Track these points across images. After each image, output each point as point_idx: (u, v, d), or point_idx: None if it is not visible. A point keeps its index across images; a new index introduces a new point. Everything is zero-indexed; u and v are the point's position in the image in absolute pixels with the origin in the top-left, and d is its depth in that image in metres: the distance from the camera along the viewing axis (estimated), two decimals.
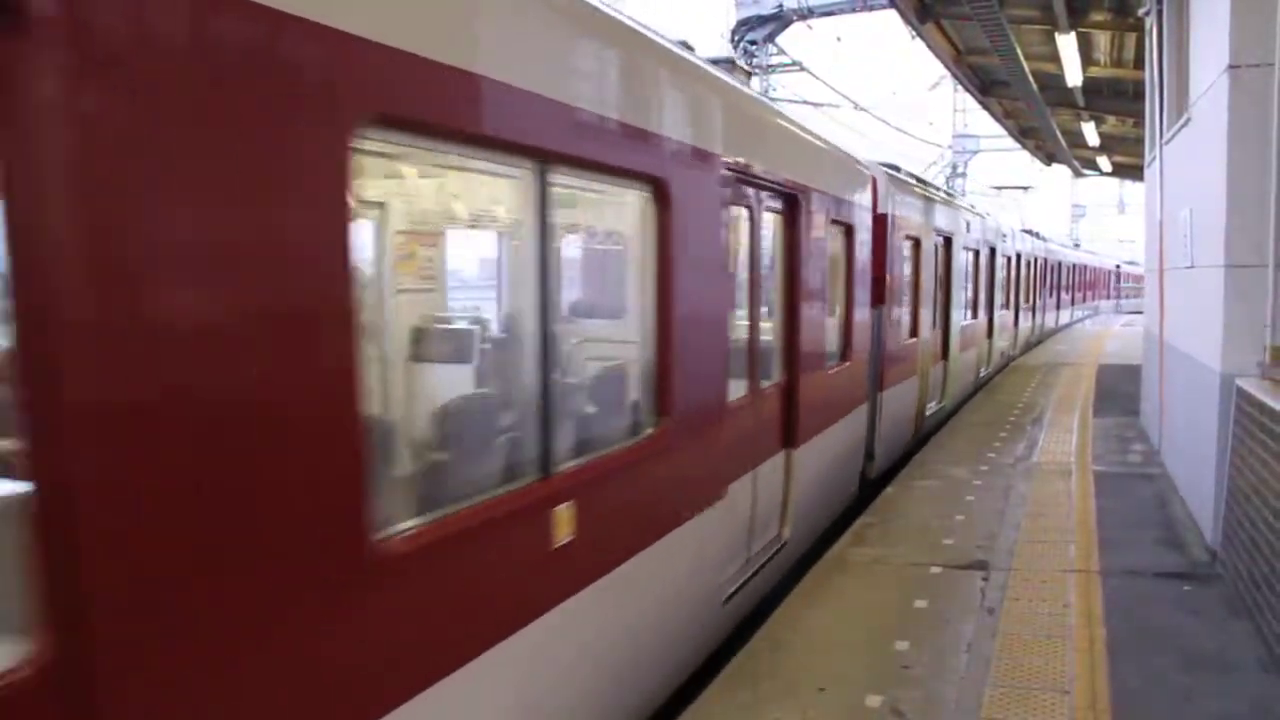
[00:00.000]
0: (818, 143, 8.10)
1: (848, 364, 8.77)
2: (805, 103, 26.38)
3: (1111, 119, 20.96)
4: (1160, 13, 9.95)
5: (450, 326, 5.43)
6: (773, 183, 6.54)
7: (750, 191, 6.21)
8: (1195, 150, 8.16)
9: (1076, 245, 54.96)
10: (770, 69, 24.44)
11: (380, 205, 5.34)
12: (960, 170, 44.88)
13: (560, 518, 3.93)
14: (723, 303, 5.63)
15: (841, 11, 23.02)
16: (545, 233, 3.90)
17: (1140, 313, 21.04)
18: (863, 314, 9.25)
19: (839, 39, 24.77)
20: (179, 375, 2.27)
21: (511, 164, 3.82)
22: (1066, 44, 14.02)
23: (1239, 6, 6.54)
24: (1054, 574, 6.80)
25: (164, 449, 2.23)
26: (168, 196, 2.22)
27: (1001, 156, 43.38)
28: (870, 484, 9.88)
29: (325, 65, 2.66)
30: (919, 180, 13.32)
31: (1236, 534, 6.30)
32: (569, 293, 5.17)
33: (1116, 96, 18.71)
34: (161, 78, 2.20)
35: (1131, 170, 29.94)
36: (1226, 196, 6.68)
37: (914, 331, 11.89)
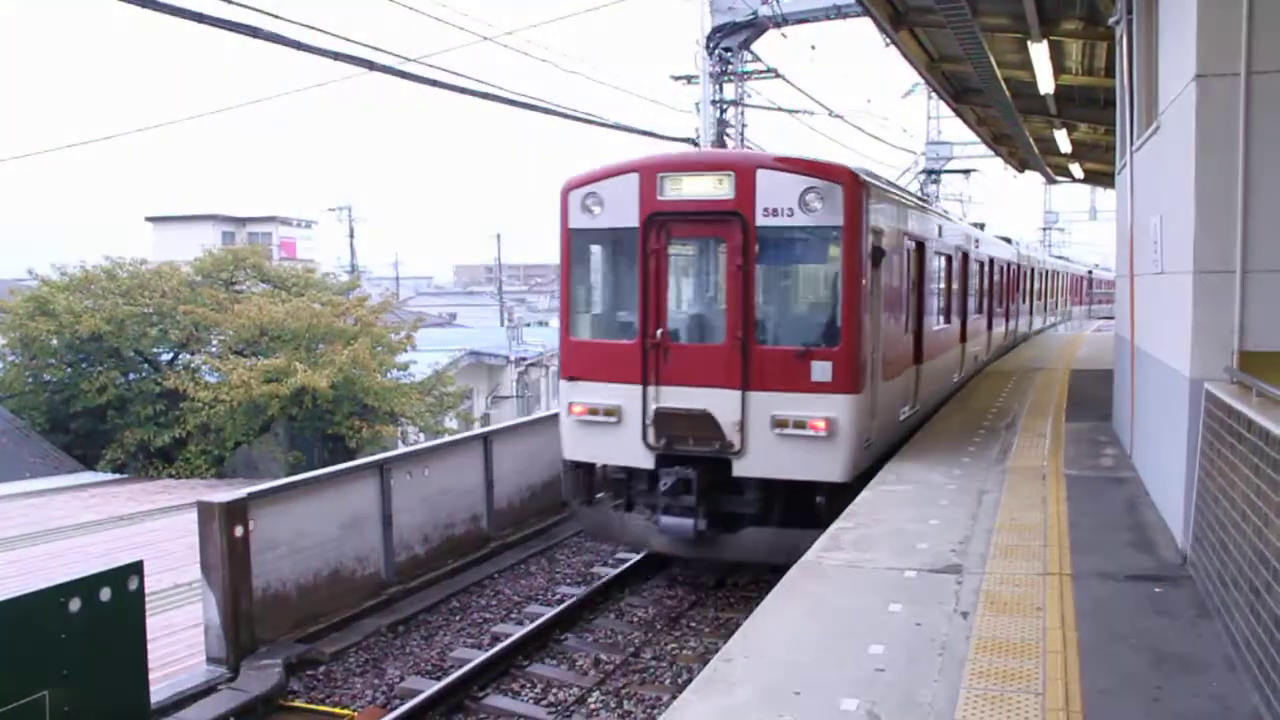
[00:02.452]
0: (1016, 247, 26.31)
1: (982, 314, 19.32)
2: (780, 109, 26.48)
3: (1083, 126, 21.14)
4: (1130, 22, 10.05)
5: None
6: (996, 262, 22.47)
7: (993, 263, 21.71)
8: (1165, 158, 8.26)
9: (1097, 266, 63.67)
10: (745, 76, 24.53)
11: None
12: (935, 178, 45.16)
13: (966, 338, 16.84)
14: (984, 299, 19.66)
15: (815, 19, 23.12)
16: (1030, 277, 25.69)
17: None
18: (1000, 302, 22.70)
19: (813, 47, 24.79)
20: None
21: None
22: (1038, 52, 14.15)
23: (1206, 17, 6.63)
24: (1027, 577, 6.86)
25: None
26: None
27: (974, 163, 43.77)
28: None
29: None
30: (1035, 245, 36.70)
31: (1206, 536, 6.38)
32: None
33: (1088, 104, 18.89)
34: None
35: (1103, 177, 30.20)
36: (1195, 204, 6.77)
37: (1025, 301, 27.96)
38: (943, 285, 15.09)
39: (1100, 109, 18.00)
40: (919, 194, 22.76)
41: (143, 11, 11.53)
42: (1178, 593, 6.52)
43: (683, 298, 10.76)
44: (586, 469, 10.84)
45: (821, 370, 9.46)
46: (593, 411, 10.12)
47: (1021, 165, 33.08)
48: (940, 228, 14.58)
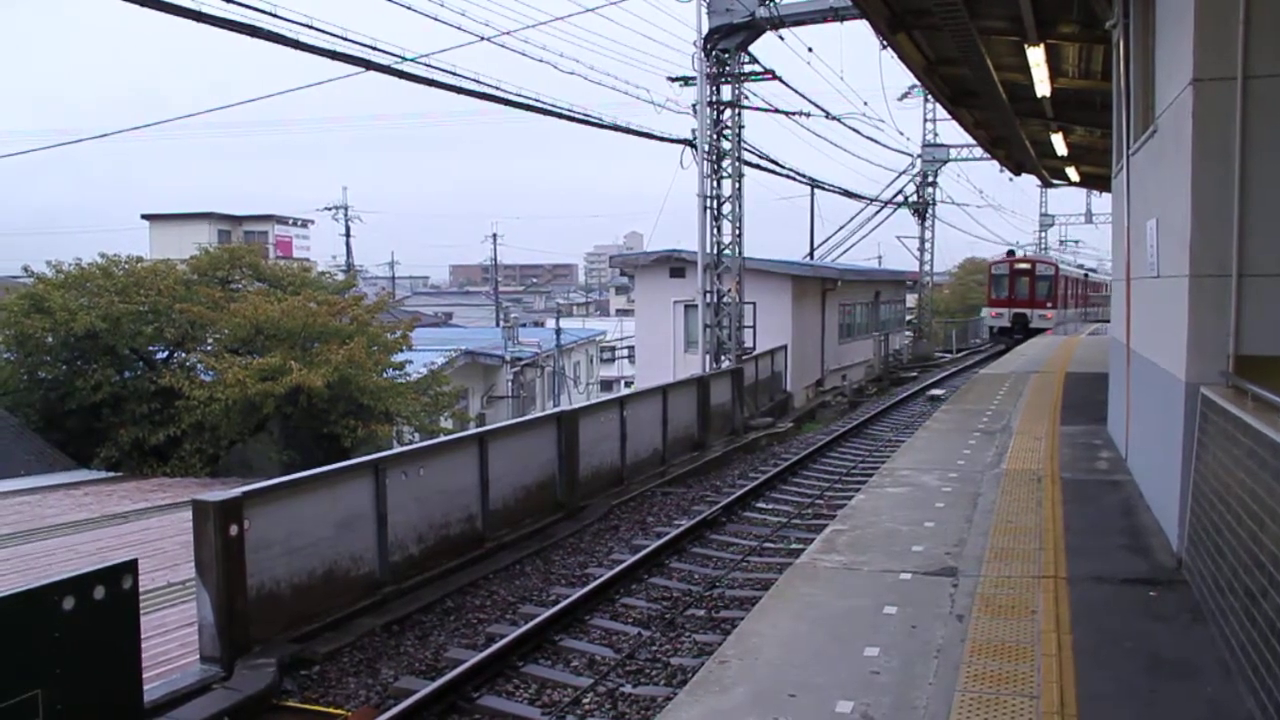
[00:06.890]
0: (1094, 274, 64.07)
1: (1080, 298, 54.71)
2: (777, 111, 26.48)
3: (1080, 129, 21.18)
4: (1127, 26, 10.07)
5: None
6: (1091, 280, 60.44)
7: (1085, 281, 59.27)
8: (1161, 162, 8.27)
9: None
10: (742, 77, 24.52)
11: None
12: (930, 180, 45.41)
13: (1077, 305, 52.43)
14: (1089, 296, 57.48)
15: (812, 21, 23.12)
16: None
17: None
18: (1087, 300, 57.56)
19: (810, 49, 24.82)
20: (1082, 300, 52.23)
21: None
22: (1035, 55, 14.17)
23: (1203, 20, 6.64)
24: (1022, 580, 6.86)
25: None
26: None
27: (971, 166, 45.28)
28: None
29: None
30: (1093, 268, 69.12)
31: (1201, 540, 6.38)
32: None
33: (1084, 107, 18.91)
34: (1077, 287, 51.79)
35: (1099, 180, 30.25)
36: (1191, 208, 6.78)
37: (1095, 296, 59.06)
38: (1070, 290, 47.70)
39: (1097, 112, 18.02)
40: (1073, 260, 57.20)
41: (142, 11, 11.51)
42: (1173, 597, 6.54)
43: (1018, 289, 43.98)
44: (992, 328, 45.86)
45: (1049, 304, 43.59)
46: (996, 313, 44.52)
47: (1018, 168, 33.16)
48: (1070, 270, 50.89)
